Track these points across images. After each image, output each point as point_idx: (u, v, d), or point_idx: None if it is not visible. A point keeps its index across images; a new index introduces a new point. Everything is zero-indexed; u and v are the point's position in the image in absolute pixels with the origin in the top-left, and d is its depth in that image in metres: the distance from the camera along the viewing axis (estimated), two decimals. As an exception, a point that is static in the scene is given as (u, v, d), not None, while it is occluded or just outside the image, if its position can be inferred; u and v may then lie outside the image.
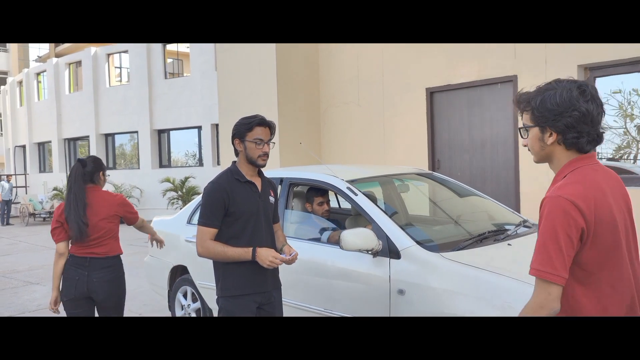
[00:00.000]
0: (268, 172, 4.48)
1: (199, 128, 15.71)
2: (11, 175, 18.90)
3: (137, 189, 16.39)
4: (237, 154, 2.74)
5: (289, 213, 3.79)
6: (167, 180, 14.62)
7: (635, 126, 5.75)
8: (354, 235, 3.01)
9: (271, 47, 7.51)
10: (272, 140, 2.76)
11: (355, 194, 3.39)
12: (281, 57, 7.62)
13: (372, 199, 3.56)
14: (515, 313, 2.50)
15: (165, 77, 16.49)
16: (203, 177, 14.19)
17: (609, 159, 6.12)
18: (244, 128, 2.67)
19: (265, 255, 2.58)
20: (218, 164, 15.00)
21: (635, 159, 6.00)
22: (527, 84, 6.01)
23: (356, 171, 4.03)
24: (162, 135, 16.77)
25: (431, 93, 6.88)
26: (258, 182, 2.78)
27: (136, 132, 16.93)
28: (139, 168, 16.87)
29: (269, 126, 2.73)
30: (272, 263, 2.58)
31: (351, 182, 3.53)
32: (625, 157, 6.21)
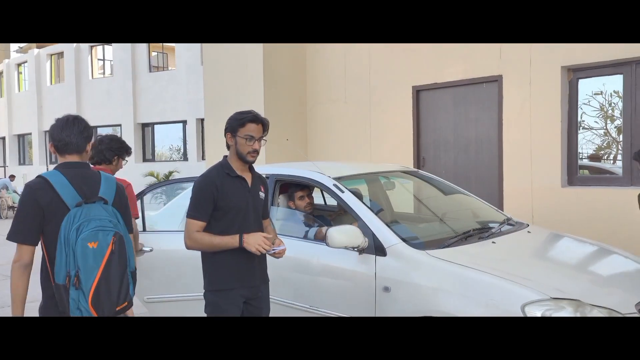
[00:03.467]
0: (255, 168, 4.47)
1: (184, 122, 15.61)
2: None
3: (120, 183, 16.20)
4: (228, 148, 2.75)
5: (275, 210, 3.78)
6: (151, 174, 14.50)
7: (615, 127, 5.84)
8: (340, 232, 3.02)
9: (258, 43, 7.47)
10: (263, 138, 2.76)
11: (342, 191, 3.40)
12: (268, 53, 7.59)
13: (358, 196, 3.57)
14: (499, 311, 2.54)
15: (150, 71, 16.34)
16: (188, 171, 14.10)
17: (589, 159, 6.22)
18: (237, 123, 2.68)
19: (254, 240, 2.58)
20: (203, 158, 14.91)
21: (615, 159, 6.10)
22: (512, 84, 6.08)
23: (342, 168, 4.05)
24: (146, 129, 16.63)
25: (417, 91, 6.91)
26: (248, 177, 2.78)
27: (119, 125, 16.76)
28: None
29: (262, 123, 2.73)
30: (260, 247, 2.57)
31: (337, 179, 3.54)
32: (605, 157, 6.31)
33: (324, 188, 3.54)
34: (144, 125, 16.52)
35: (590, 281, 2.99)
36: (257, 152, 2.71)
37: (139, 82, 16.21)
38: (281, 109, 7.75)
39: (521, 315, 2.47)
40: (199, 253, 2.77)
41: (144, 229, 3.80)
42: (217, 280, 2.68)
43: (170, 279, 3.70)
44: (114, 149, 3.63)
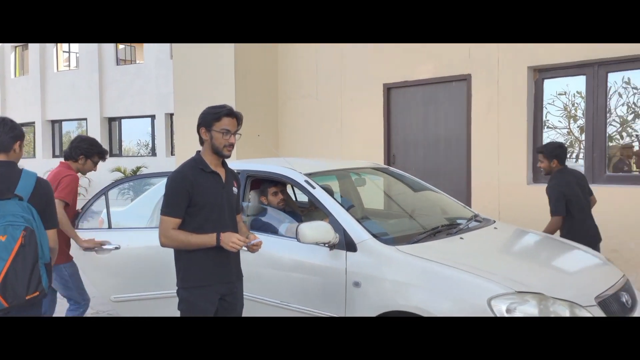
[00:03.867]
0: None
1: (153, 117, 15.35)
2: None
3: (86, 178, 15.85)
4: (202, 143, 2.72)
5: (247, 206, 3.77)
6: (118, 169, 14.21)
7: (578, 127, 6.01)
8: (311, 228, 3.04)
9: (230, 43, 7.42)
10: (238, 132, 2.75)
11: (313, 187, 3.42)
12: (240, 48, 7.53)
13: (329, 192, 3.59)
14: (466, 305, 2.60)
15: (117, 64, 16.00)
16: (156, 167, 13.89)
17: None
18: (212, 117, 2.66)
19: (229, 238, 2.58)
20: (172, 154, 14.70)
21: (577, 157, 6.27)
22: (480, 83, 6.19)
23: (314, 164, 4.06)
24: (112, 124, 16.30)
25: (388, 89, 6.97)
26: (222, 173, 2.76)
27: (85, 119, 16.38)
28: (87, 156, 16.32)
29: (237, 117, 2.72)
30: (235, 244, 2.57)
31: (309, 175, 3.55)
32: (568, 156, 6.49)
33: (295, 184, 3.56)
34: (111, 120, 16.18)
35: (553, 275, 3.08)
36: (232, 146, 2.71)
37: (106, 75, 15.87)
38: (252, 104, 7.71)
39: (487, 308, 2.53)
40: (169, 250, 2.74)
41: (110, 226, 3.72)
42: (193, 276, 2.64)
43: (139, 277, 3.63)
44: (82, 149, 3.79)
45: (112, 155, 16.12)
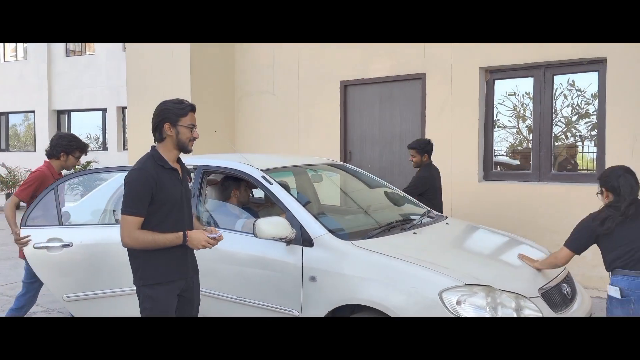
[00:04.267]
0: (183, 159, 4.39)
1: (104, 110, 14.93)
2: None
3: (32, 173, 15.28)
4: (161, 139, 2.64)
5: (203, 201, 3.74)
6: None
7: (526, 126, 6.24)
8: (268, 224, 3.05)
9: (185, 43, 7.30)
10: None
11: (270, 183, 3.43)
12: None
13: (286, 188, 3.62)
14: (419, 297, 2.68)
15: (67, 55, 15.46)
16: (107, 162, 13.50)
17: (503, 156, 6.62)
18: (178, 113, 2.61)
19: (198, 238, 2.56)
20: (124, 148, 14.34)
21: (526, 157, 6.51)
22: (435, 83, 6.33)
23: (271, 160, 4.07)
24: (61, 117, 15.75)
25: (345, 86, 7.04)
26: (178, 169, 2.73)
27: (33, 112, 15.77)
28: (35, 151, 15.72)
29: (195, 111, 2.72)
30: (207, 244, 2.56)
31: (266, 171, 3.56)
32: (517, 155, 6.73)
33: (252, 180, 3.55)
34: (60, 113, 15.64)
35: (501, 268, 3.21)
36: (195, 140, 2.70)
37: (55, 66, 15.31)
38: (208, 99, 7.62)
39: (439, 300, 2.62)
40: (122, 247, 2.67)
41: (60, 223, 3.61)
42: (155, 273, 2.59)
43: (93, 274, 3.54)
44: (62, 145, 3.96)
45: (61, 149, 15.60)
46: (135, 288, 2.66)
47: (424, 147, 5.06)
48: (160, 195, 2.55)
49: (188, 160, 4.14)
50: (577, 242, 3.01)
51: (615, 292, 2.83)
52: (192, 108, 2.67)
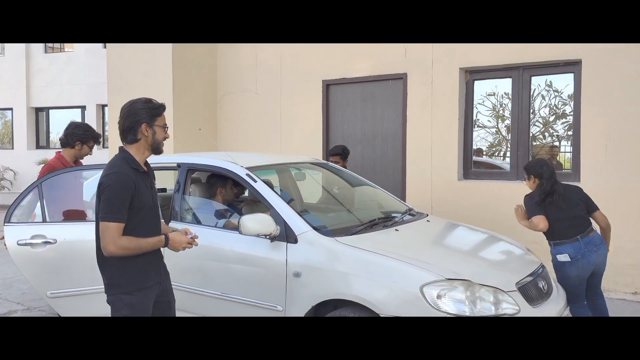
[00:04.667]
0: (166, 157, 4.41)
1: (83, 108, 14.75)
2: None
3: (10, 170, 15.04)
4: (134, 140, 2.53)
5: (188, 199, 3.77)
6: (45, 162, 13.56)
7: (505, 126, 6.37)
8: (252, 221, 3.10)
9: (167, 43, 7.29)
10: None
11: (255, 181, 3.47)
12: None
13: (270, 186, 3.66)
14: (401, 292, 2.75)
15: (46, 52, 15.24)
16: (86, 160, 13.37)
17: (483, 156, 6.75)
18: (154, 112, 2.54)
19: (180, 241, 2.54)
20: (104, 146, 14.20)
21: (504, 156, 6.65)
22: (416, 83, 6.42)
23: (255, 159, 4.11)
24: (40, 114, 15.52)
25: (327, 85, 7.10)
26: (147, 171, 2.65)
27: (10, 109, 15.51)
28: (12, 148, 15.48)
29: None
30: (188, 246, 2.55)
31: (250, 169, 3.61)
32: (496, 154, 6.86)
33: (236, 177, 3.59)
34: (38, 110, 15.41)
35: (480, 264, 3.31)
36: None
37: (33, 63, 15.08)
38: (191, 97, 7.61)
39: (420, 295, 2.70)
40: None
41: (44, 220, 3.60)
42: (135, 279, 2.50)
43: (77, 271, 3.53)
44: (77, 135, 4.10)
45: (38, 147, 15.36)
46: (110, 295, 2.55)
47: (347, 154, 5.60)
48: (137, 200, 2.46)
49: (172, 158, 4.17)
50: (534, 212, 3.77)
51: (565, 257, 3.65)
52: (164, 107, 2.61)
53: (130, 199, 2.43)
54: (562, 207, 3.70)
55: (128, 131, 2.54)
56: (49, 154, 14.22)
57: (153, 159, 4.02)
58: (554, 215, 3.69)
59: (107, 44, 8.25)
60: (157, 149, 2.61)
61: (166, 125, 2.62)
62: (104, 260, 2.50)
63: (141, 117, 2.53)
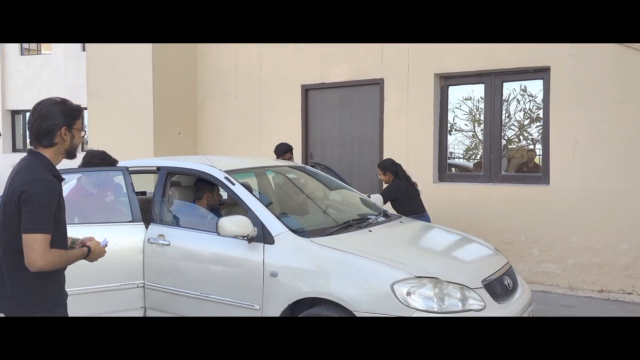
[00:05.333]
0: (146, 160, 4.47)
1: (62, 111, 14.65)
2: None
3: (-13, 174, 14.85)
4: (50, 144, 2.27)
5: (167, 201, 3.84)
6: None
7: (481, 130, 6.56)
8: (230, 222, 3.20)
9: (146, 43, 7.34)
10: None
11: (233, 184, 3.57)
12: (157, 43, 7.46)
13: (248, 189, 3.76)
14: (373, 290, 2.87)
15: (22, 53, 15.10)
16: (65, 163, 13.26)
17: (458, 159, 6.93)
18: (75, 115, 2.32)
19: (101, 251, 2.39)
20: (82, 150, 14.10)
21: (480, 159, 6.83)
22: (392, 88, 6.56)
23: (233, 162, 4.20)
24: (16, 117, 15.36)
25: (306, 90, 7.22)
26: None
27: (-15, 111, 15.31)
28: (-13, 152, 15.28)
29: None
30: (102, 256, 2.41)
31: (228, 172, 3.70)
32: (473, 157, 7.04)
33: (215, 181, 3.68)
34: (14, 112, 15.25)
35: (448, 263, 3.45)
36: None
37: (9, 65, 14.94)
38: (171, 101, 7.66)
39: (391, 292, 2.82)
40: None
41: None
42: (53, 295, 2.28)
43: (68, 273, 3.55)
44: (94, 164, 4.11)
45: (15, 150, 15.20)
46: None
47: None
48: (59, 209, 2.24)
49: (152, 162, 4.24)
50: (389, 197, 5.09)
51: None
52: (83, 110, 2.42)
53: (54, 209, 2.19)
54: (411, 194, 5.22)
55: (44, 134, 2.26)
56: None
57: (133, 163, 4.11)
58: (410, 198, 5.17)
59: (87, 47, 8.25)
60: (72, 154, 2.37)
61: (84, 129, 2.41)
62: (11, 273, 2.20)
63: (64, 119, 2.28)
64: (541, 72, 5.77)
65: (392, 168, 5.39)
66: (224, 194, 4.24)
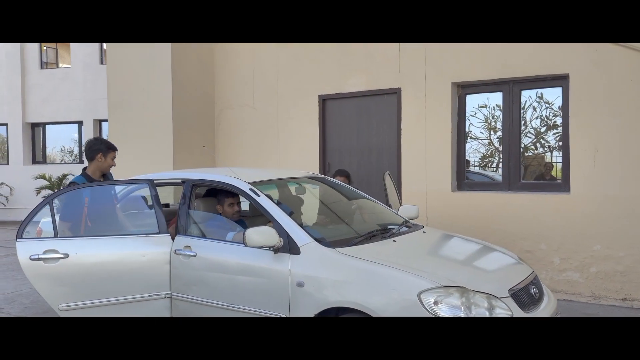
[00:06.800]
0: (168, 173, 4.55)
1: (80, 123, 14.87)
2: None
3: (6, 186, 15.09)
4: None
5: (193, 213, 3.90)
6: (43, 177, 13.65)
7: (497, 138, 6.56)
8: (257, 233, 3.25)
9: (166, 44, 7.46)
10: None
11: (258, 195, 3.62)
12: (176, 54, 7.57)
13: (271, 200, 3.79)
14: (400, 299, 2.89)
15: (42, 67, 15.38)
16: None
17: (475, 166, 6.92)
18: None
19: None
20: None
21: (497, 167, 6.82)
22: (409, 97, 6.60)
23: (257, 174, 4.26)
24: (36, 129, 15.62)
25: (324, 100, 7.28)
26: None
27: (5, 124, 15.59)
28: (8, 164, 15.54)
29: None
30: None
31: (253, 184, 3.75)
32: (489, 165, 7.04)
33: (240, 192, 3.74)
34: (34, 125, 15.51)
35: (474, 272, 3.46)
36: None
37: (29, 78, 15.22)
38: (189, 113, 7.77)
39: (417, 301, 2.84)
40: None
41: (56, 235, 3.71)
42: None
43: (88, 285, 3.63)
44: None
45: (35, 162, 15.44)
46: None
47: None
48: None
49: (176, 174, 4.31)
50: None
51: None
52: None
53: None
54: None
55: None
56: (46, 169, 14.31)
57: (158, 176, 4.18)
58: None
59: (108, 61, 8.39)
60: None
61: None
62: None
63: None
64: (560, 80, 5.77)
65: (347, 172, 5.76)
66: (244, 206, 4.30)
